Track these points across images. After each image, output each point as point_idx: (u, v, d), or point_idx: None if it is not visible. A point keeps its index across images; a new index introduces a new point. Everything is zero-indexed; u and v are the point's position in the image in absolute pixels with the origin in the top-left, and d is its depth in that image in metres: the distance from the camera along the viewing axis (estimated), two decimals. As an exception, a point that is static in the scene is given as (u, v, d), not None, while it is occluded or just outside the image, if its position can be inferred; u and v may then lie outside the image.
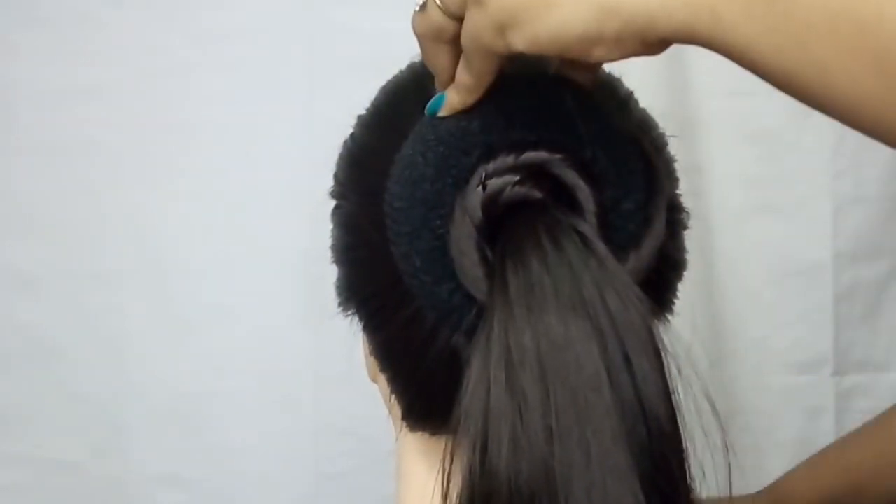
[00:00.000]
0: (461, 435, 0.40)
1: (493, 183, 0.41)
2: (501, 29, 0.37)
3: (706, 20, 0.32)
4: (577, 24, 0.35)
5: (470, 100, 0.42)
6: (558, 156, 0.42)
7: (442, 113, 0.43)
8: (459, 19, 0.39)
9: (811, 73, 0.31)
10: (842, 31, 0.30)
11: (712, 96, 0.93)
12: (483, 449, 0.39)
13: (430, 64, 0.43)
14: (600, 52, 0.36)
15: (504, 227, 0.42)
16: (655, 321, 0.43)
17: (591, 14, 0.34)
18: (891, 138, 0.31)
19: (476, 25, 0.38)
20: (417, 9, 0.41)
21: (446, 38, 0.41)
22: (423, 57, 0.43)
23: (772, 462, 0.96)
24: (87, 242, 0.98)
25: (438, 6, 0.40)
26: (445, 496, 0.41)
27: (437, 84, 0.44)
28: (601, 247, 0.41)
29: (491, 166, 0.42)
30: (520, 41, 0.37)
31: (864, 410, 0.96)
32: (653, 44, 0.35)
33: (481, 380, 0.39)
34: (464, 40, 0.39)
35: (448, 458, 0.41)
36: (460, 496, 0.40)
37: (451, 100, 0.43)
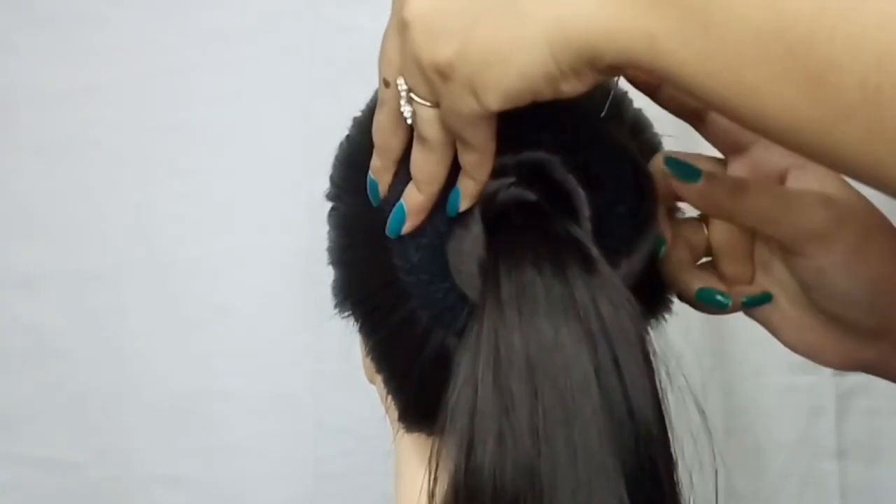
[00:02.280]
0: (447, 434, 0.40)
1: (490, 183, 0.41)
2: (474, 93, 0.36)
3: (644, 46, 0.32)
4: (537, 67, 0.34)
5: (484, 176, 0.41)
6: (556, 157, 0.42)
7: (464, 205, 0.41)
8: (434, 104, 0.39)
9: (745, 99, 0.31)
10: (773, 57, 0.29)
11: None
12: (469, 448, 0.39)
13: (385, 148, 0.42)
14: (567, 87, 0.35)
15: (499, 227, 0.42)
16: (648, 325, 0.44)
17: (545, 54, 0.34)
18: (829, 162, 0.31)
19: (452, 100, 0.37)
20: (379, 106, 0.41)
21: (405, 126, 0.41)
22: (381, 144, 0.42)
23: (772, 462, 0.96)
24: (87, 242, 0.98)
25: (421, 102, 0.39)
26: (432, 495, 0.41)
27: (381, 165, 0.43)
28: (594, 251, 0.41)
29: None
30: (493, 101, 0.36)
31: (864, 410, 0.96)
32: (604, 70, 0.35)
33: (469, 379, 0.39)
34: (449, 120, 0.38)
35: (435, 457, 0.41)
36: (445, 495, 0.40)
37: (467, 187, 0.41)
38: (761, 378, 0.95)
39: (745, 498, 0.96)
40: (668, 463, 0.40)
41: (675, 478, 0.41)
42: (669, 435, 0.41)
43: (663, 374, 0.41)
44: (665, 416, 0.40)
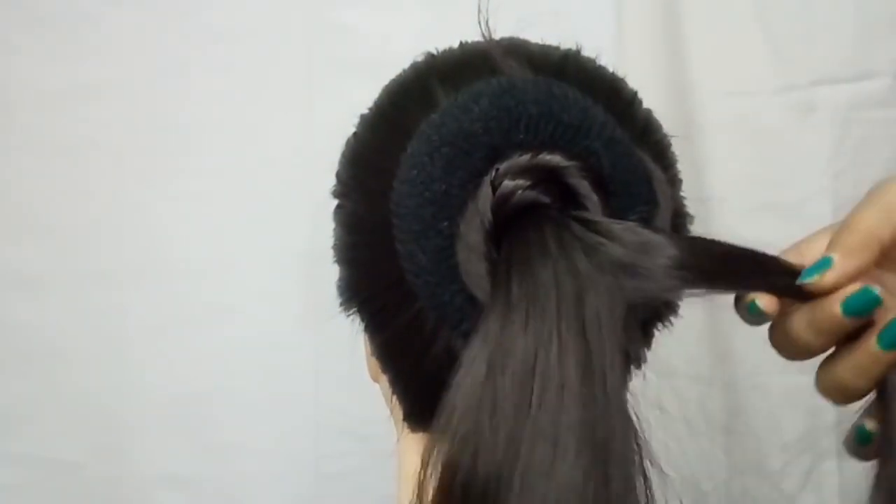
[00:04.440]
0: (442, 429, 0.40)
1: (506, 185, 0.41)
2: None
3: None
4: None
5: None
6: (573, 163, 0.42)
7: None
8: None
9: None
10: None
11: (712, 96, 0.93)
12: (457, 448, 0.39)
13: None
14: None
15: (512, 229, 0.41)
16: (653, 328, 0.44)
17: None
18: None
19: None
20: None
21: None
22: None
23: (772, 462, 0.96)
24: (87, 242, 0.99)
25: None
26: (420, 493, 0.41)
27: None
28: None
29: (504, 166, 0.41)
30: None
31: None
32: None
33: (466, 376, 0.39)
34: None
35: (430, 453, 0.41)
36: (436, 494, 0.39)
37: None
38: (761, 378, 0.95)
39: (745, 498, 0.96)
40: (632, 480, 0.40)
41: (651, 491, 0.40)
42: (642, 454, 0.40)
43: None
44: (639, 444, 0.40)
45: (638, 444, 0.40)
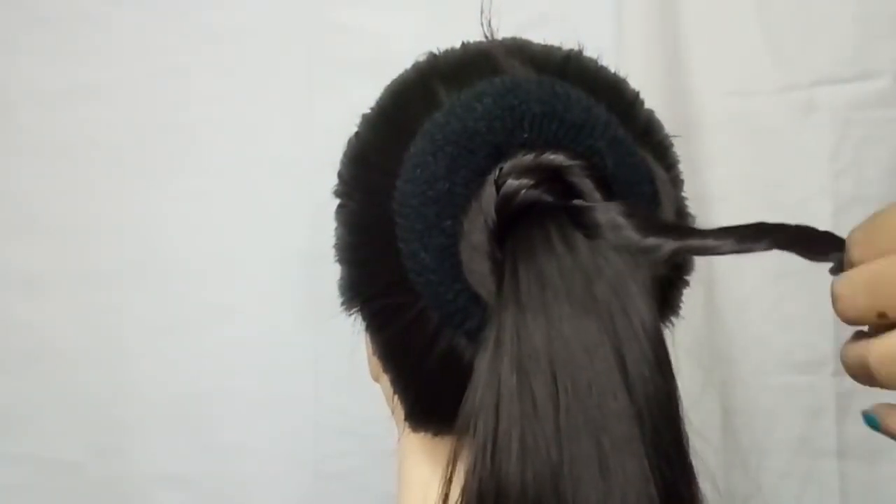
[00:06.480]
0: (469, 437, 0.39)
1: (509, 184, 0.41)
2: None
3: None
4: None
5: None
6: (577, 162, 0.42)
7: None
8: None
9: None
10: None
11: (712, 96, 0.93)
12: (492, 452, 0.38)
13: None
14: None
15: (515, 227, 0.41)
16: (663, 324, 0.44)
17: None
18: None
19: None
20: None
21: None
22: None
23: (772, 462, 0.96)
24: (87, 242, 0.99)
25: None
26: (446, 497, 0.41)
27: None
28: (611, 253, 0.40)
29: (508, 165, 0.41)
30: None
31: (864, 411, 0.96)
32: None
33: (491, 381, 0.39)
34: None
35: (452, 460, 0.41)
36: (465, 497, 0.39)
37: None
38: (761, 378, 0.95)
39: (745, 498, 0.97)
40: (687, 464, 0.40)
41: (693, 478, 0.40)
42: (686, 436, 0.40)
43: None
44: (681, 414, 0.40)
45: (680, 415, 0.40)
